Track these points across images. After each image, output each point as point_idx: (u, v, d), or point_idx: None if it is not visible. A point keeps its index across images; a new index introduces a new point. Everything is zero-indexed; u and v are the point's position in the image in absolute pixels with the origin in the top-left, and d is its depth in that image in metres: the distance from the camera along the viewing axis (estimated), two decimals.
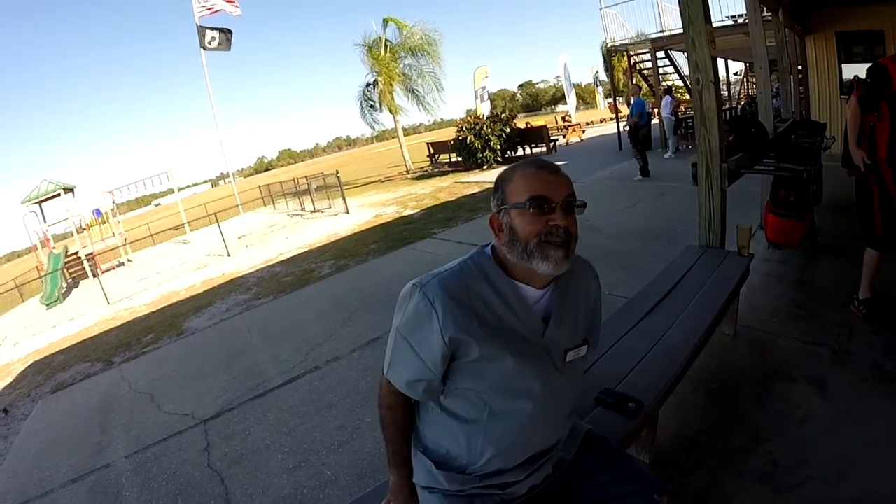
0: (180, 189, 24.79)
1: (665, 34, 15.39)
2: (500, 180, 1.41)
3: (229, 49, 21.79)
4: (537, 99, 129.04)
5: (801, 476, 2.41)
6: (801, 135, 6.32)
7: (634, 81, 17.00)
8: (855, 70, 10.63)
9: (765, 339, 3.67)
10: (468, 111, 28.79)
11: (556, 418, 1.52)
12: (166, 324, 7.27)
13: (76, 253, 16.30)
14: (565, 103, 19.64)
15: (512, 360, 1.36)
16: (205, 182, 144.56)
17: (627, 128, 12.40)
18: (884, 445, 2.50)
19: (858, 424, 2.69)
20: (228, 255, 12.07)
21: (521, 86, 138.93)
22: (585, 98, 58.26)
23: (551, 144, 21.69)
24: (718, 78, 3.73)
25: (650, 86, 19.24)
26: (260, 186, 25.46)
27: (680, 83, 20.52)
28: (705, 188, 3.80)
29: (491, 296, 1.38)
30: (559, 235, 1.31)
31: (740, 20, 12.20)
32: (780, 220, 4.48)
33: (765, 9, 8.59)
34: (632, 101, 12.71)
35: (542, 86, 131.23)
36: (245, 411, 4.04)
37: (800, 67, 11.92)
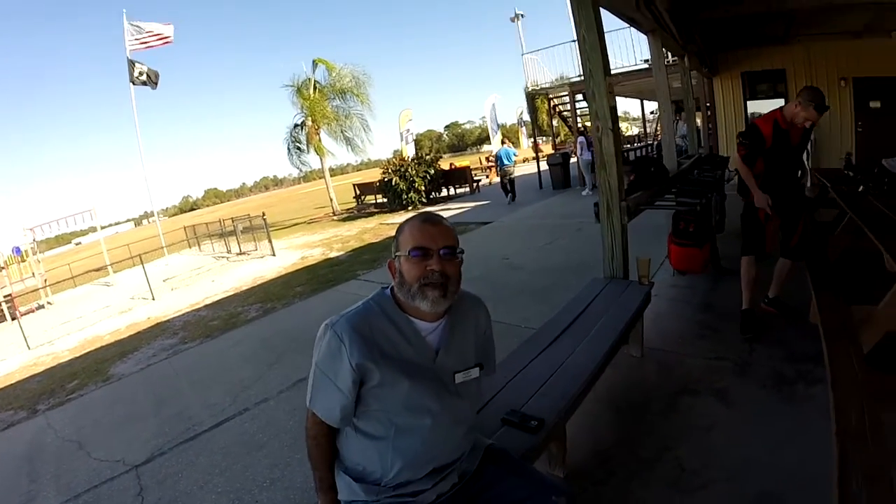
0: (103, 227, 24.05)
1: (579, 79, 16.11)
2: (397, 232, 1.71)
3: (156, 87, 21.62)
4: (463, 139, 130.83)
5: (706, 478, 2.64)
6: (705, 169, 6.80)
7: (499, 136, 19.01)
8: (759, 106, 11.48)
9: (671, 359, 3.97)
10: (395, 151, 29.11)
11: (454, 433, 1.75)
12: (91, 370, 7.05)
13: None
14: (490, 143, 20.31)
15: (408, 382, 1.62)
16: (127, 221, 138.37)
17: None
18: (785, 445, 2.77)
19: (760, 428, 2.98)
20: (153, 299, 11.75)
21: (447, 126, 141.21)
22: (510, 138, 59.60)
23: (475, 185, 22.20)
24: (618, 125, 4.07)
25: (569, 126, 19.99)
26: (185, 227, 24.46)
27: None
28: (607, 225, 4.11)
29: (389, 329, 1.65)
30: (435, 279, 1.59)
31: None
32: (681, 249, 4.88)
33: (670, 54, 9.22)
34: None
35: (467, 126, 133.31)
36: (177, 455, 4.02)
37: (708, 105, 12.76)
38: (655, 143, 18.72)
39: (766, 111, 4.09)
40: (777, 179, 4.04)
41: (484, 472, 1.83)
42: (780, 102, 9.67)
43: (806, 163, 4.45)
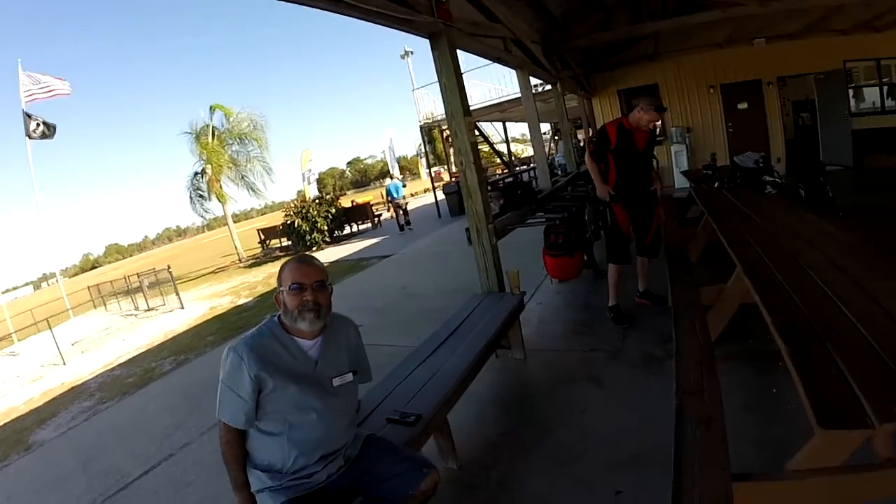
0: (3, 293, 22.88)
1: (472, 108, 16.73)
2: (279, 271, 2.21)
3: (53, 137, 20.97)
4: (366, 174, 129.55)
5: (583, 449, 3.10)
6: (579, 185, 7.46)
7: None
8: None
9: (552, 357, 4.51)
10: (298, 192, 29.13)
11: (337, 425, 2.23)
12: (11, 440, 6.94)
13: None
14: (391, 177, 20.78)
15: (295, 387, 2.10)
16: (26, 284, 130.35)
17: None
18: (652, 413, 3.19)
19: (632, 403, 3.49)
20: (64, 364, 11.48)
21: (349, 162, 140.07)
22: (411, 169, 59.81)
23: (376, 220, 22.75)
24: (480, 159, 4.56)
25: None
26: (89, 287, 23.51)
27: (486, 149, 21.92)
28: (478, 246, 4.59)
29: (278, 347, 2.14)
30: (311, 306, 2.11)
31: (540, 89, 13.34)
32: (554, 260, 5.37)
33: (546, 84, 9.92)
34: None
35: (369, 161, 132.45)
36: None
37: (590, 123, 13.61)
38: (548, 161, 19.58)
39: None
40: (627, 183, 4.60)
41: (365, 455, 2.30)
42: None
43: (656, 170, 5.06)
